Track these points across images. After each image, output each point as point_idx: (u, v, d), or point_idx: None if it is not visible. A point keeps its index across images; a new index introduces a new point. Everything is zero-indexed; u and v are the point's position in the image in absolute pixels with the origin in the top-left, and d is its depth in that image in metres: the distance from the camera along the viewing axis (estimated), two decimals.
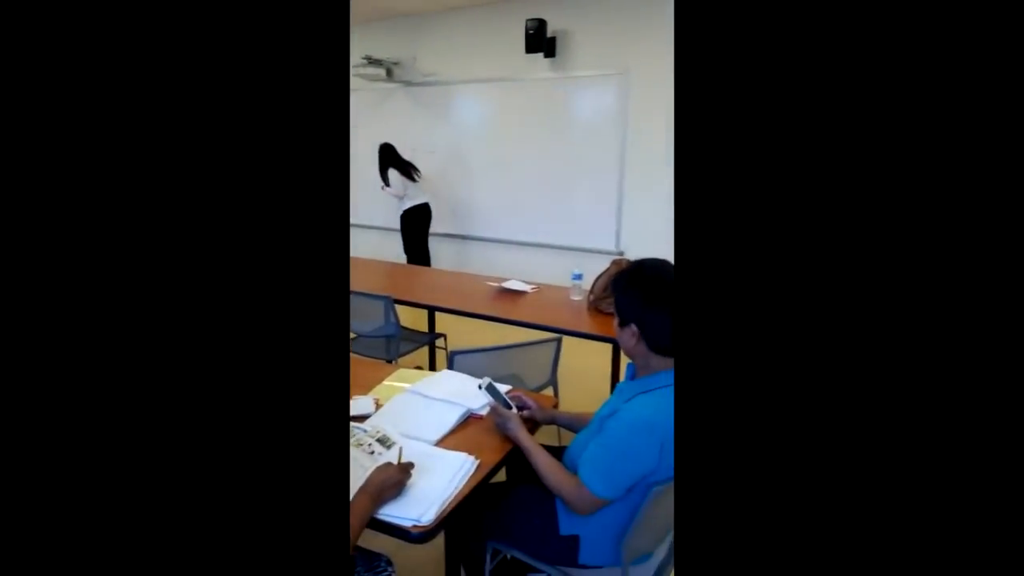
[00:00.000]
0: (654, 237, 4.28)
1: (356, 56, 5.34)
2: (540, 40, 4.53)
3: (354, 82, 5.54)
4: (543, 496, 1.33)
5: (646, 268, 1.24)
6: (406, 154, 5.01)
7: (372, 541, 1.25)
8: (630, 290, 1.24)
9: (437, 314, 3.05)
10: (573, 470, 1.26)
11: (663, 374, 1.24)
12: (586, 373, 2.93)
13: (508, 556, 1.47)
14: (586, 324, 2.38)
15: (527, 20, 4.51)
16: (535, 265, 4.86)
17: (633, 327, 1.23)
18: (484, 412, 1.51)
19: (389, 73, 5.37)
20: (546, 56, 4.63)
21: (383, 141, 4.96)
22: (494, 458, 1.34)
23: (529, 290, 2.83)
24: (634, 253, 4.58)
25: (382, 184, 4.95)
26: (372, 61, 5.30)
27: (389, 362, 2.69)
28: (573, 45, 4.63)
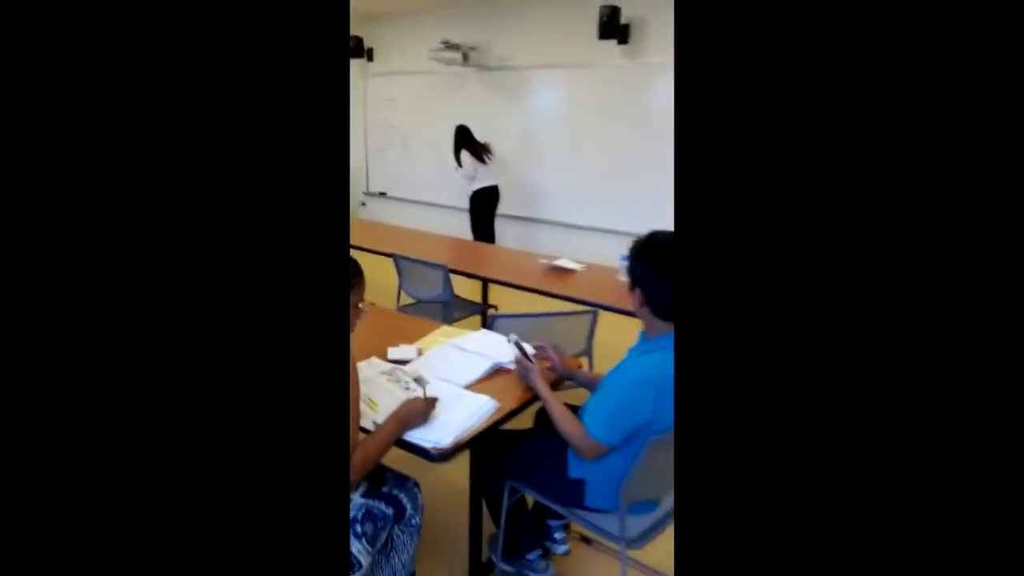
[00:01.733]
0: None
1: (434, 40, 5.57)
2: (614, 27, 4.57)
3: (431, 65, 5.77)
4: (558, 443, 1.48)
5: (656, 239, 1.35)
6: (480, 137, 5.18)
7: (406, 465, 1.46)
8: (639, 258, 1.36)
9: (492, 287, 3.24)
10: None
11: (664, 337, 1.36)
12: (624, 348, 3.02)
13: (530, 504, 1.64)
14: (628, 302, 2.48)
15: (601, 7, 4.56)
16: (597, 248, 4.93)
17: (639, 291, 1.36)
18: (512, 366, 1.68)
19: (465, 57, 5.56)
20: (619, 43, 4.67)
21: (459, 123, 5.15)
22: (514, 404, 1.51)
23: (579, 268, 2.96)
24: None
25: (456, 164, 5.16)
26: (449, 45, 5.51)
27: None
28: (647, 32, 4.65)
